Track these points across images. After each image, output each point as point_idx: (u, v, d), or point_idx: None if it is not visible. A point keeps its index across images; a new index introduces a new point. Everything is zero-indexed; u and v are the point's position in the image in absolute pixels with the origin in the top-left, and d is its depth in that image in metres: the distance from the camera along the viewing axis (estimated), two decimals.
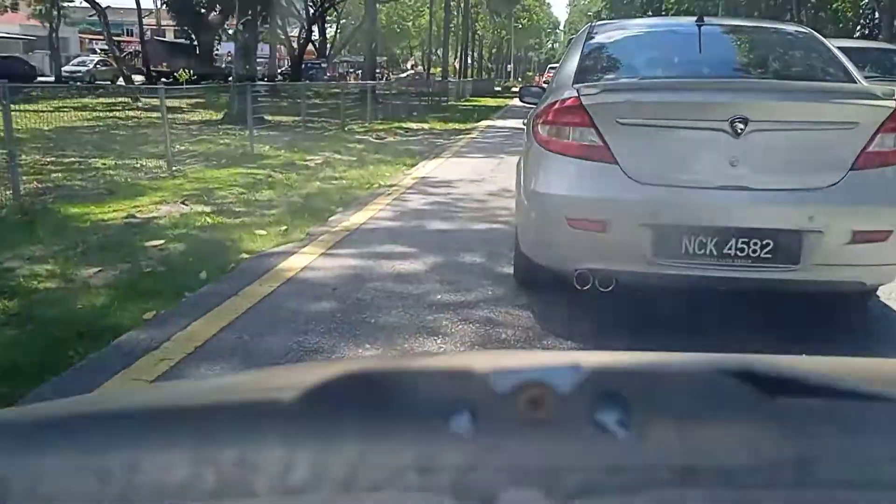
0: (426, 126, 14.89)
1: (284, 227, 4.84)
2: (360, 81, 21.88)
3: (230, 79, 15.05)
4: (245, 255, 4.15)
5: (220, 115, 13.75)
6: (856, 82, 3.02)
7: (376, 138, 12.16)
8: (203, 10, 30.80)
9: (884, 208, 2.68)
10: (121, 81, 28.09)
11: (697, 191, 2.69)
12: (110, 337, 2.87)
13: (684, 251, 2.63)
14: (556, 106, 2.86)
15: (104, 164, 7.67)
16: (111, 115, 14.78)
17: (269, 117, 14.07)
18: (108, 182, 6.61)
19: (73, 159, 7.94)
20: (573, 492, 0.37)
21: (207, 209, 5.51)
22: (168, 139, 7.35)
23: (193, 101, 17.03)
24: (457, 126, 14.98)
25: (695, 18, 3.45)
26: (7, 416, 0.56)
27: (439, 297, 3.32)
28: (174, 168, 7.42)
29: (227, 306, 3.11)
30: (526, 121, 3.53)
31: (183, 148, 9.35)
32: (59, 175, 6.89)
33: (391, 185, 6.81)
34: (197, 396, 0.60)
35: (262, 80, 32.21)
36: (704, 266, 2.64)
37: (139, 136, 10.40)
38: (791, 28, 3.97)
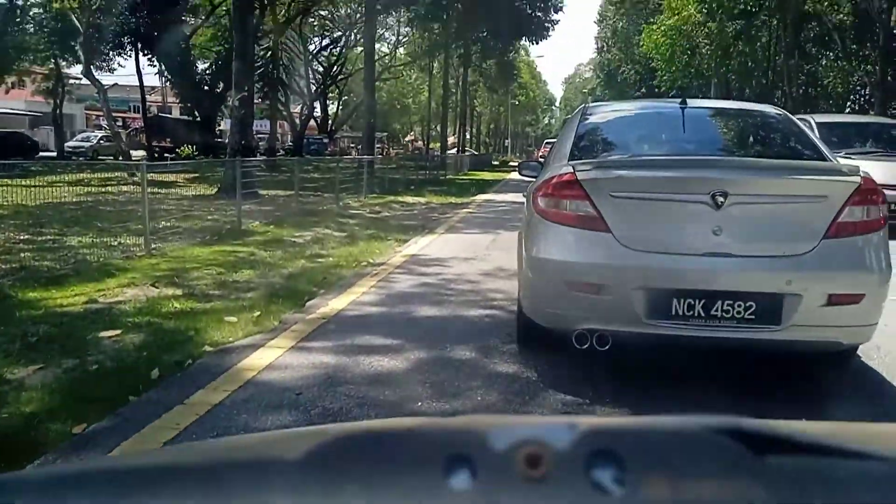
0: (423, 200, 14.67)
1: (257, 314, 4.41)
2: (357, 156, 21.88)
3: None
4: (208, 348, 3.70)
5: (214, 190, 13.56)
6: (826, 160, 3.32)
7: (371, 213, 11.88)
8: (206, 87, 31.38)
9: (856, 273, 2.91)
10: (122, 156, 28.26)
11: (685, 257, 2.89)
12: (26, 459, 2.40)
13: (674, 312, 2.83)
14: (555, 180, 3.10)
15: (80, 241, 7.30)
16: (104, 190, 14.59)
17: (264, 191, 13.87)
18: (78, 262, 6.21)
19: (48, 237, 7.58)
20: None
21: (178, 292, 5.09)
22: (147, 216, 6.99)
23: (190, 175, 16.97)
24: (453, 200, 14.76)
25: (678, 101, 3.76)
26: (24, 475, 0.60)
27: (420, 404, 2.85)
28: (153, 246, 7.04)
29: (168, 420, 2.64)
30: (526, 193, 3.76)
31: (168, 224, 9.04)
32: (28, 255, 6.50)
33: (379, 264, 6.41)
34: (205, 457, 0.61)
35: (262, 154, 32.58)
36: (693, 326, 2.83)
37: (126, 211, 10.08)
38: (767, 109, 4.18)
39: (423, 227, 9.58)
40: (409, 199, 14.94)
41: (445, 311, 4.50)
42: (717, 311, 2.81)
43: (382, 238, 8.31)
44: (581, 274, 2.97)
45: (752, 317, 2.81)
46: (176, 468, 0.53)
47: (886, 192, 3.15)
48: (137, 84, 31.49)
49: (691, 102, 3.83)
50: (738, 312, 2.81)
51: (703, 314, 2.82)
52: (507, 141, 69.17)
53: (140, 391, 3.02)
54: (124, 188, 14.68)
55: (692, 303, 2.82)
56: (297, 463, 0.44)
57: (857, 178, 2.93)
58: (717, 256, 2.87)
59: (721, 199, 2.83)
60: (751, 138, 3.99)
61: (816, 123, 10.43)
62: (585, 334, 2.95)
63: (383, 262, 6.49)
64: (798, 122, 3.81)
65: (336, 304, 4.66)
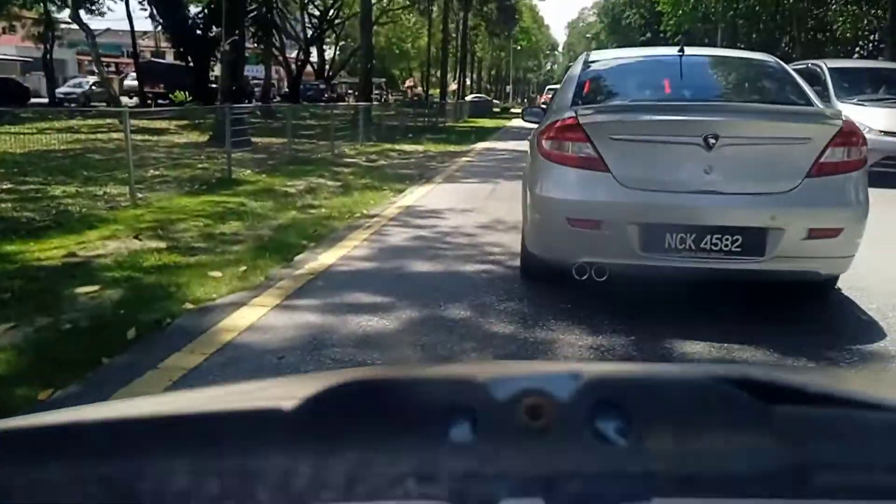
0: (420, 148, 14.33)
1: (243, 268, 4.21)
2: (353, 103, 21.38)
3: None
4: (189, 306, 3.51)
5: (205, 138, 13.20)
6: (812, 105, 3.51)
7: (366, 161, 11.58)
8: (199, 31, 30.47)
9: (835, 209, 3.10)
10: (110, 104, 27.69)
11: (677, 195, 3.07)
12: None
13: (667, 246, 3.03)
14: (558, 124, 3.29)
15: (64, 191, 7.06)
16: (94, 137, 14.23)
17: (258, 139, 13.53)
18: (60, 213, 5.98)
19: (31, 186, 7.32)
20: (572, 499, 0.38)
21: (162, 245, 4.89)
22: (131, 165, 6.73)
23: (183, 122, 16.56)
24: (452, 148, 14.41)
25: (677, 49, 3.87)
26: (9, 424, 0.54)
27: None
28: (139, 196, 6.80)
29: (137, 385, 2.46)
30: (530, 137, 3.88)
31: (158, 173, 8.78)
32: (9, 205, 6.27)
33: (373, 216, 6.18)
34: (199, 405, 0.61)
35: (257, 100, 31.83)
36: (684, 258, 3.03)
37: (114, 160, 9.77)
38: (761, 57, 4.27)
39: (420, 177, 9.31)
40: (407, 146, 14.59)
41: (440, 266, 4.29)
42: (706, 244, 3.02)
43: (377, 188, 8.05)
44: (581, 211, 3.17)
45: (739, 249, 3.03)
46: (168, 416, 0.52)
47: None
48: (130, 29, 30.64)
49: (689, 51, 3.91)
50: (726, 245, 3.02)
51: (693, 247, 3.03)
52: (508, 87, 67.91)
53: (113, 353, 2.84)
54: (114, 136, 14.36)
55: (684, 236, 3.03)
56: (292, 412, 0.43)
57: (839, 122, 3.14)
58: (708, 194, 3.06)
59: (712, 140, 3.02)
60: (743, 85, 4.13)
61: (829, 69, 10.05)
62: (585, 266, 3.18)
63: (377, 214, 6.25)
64: (789, 68, 3.99)
65: (326, 258, 4.45)
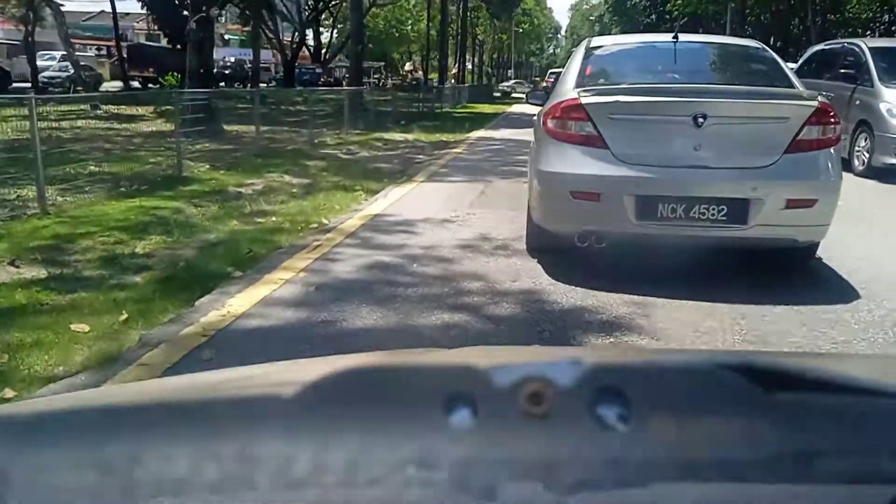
0: (410, 137, 13.11)
1: (124, 317, 3.06)
2: (343, 87, 20.11)
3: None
4: (7, 395, 2.37)
5: (173, 126, 11.99)
6: (792, 87, 3.75)
7: (346, 153, 10.38)
8: (186, 13, 29.15)
9: (810, 182, 3.44)
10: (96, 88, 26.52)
11: (669, 169, 3.41)
12: None
13: (660, 215, 3.37)
14: (562, 105, 3.61)
15: None
16: (56, 125, 13.03)
17: (236, 127, 12.32)
18: None
19: None
20: (573, 486, 0.38)
21: (42, 274, 3.74)
22: (40, 163, 5.52)
23: (162, 108, 15.32)
24: (444, 137, 13.18)
25: (671, 36, 4.09)
26: (8, 410, 0.56)
27: None
28: (50, 203, 5.63)
29: None
30: (535, 118, 4.23)
31: (96, 169, 7.61)
32: None
33: (330, 229, 5.00)
34: (198, 390, 0.60)
35: (240, 84, 30.39)
36: (675, 226, 3.38)
37: (65, 152, 8.57)
38: (748, 43, 4.58)
39: (400, 173, 8.12)
40: (396, 135, 13.37)
41: (392, 318, 3.05)
42: (695, 213, 3.32)
43: (348, 188, 6.88)
44: (583, 184, 3.45)
45: (724, 218, 3.34)
46: (165, 404, 0.51)
47: None
48: (124, 10, 29.32)
49: (683, 37, 4.16)
50: (713, 214, 3.33)
51: (683, 216, 3.34)
52: (510, 71, 66.26)
53: None
54: (80, 123, 13.17)
55: (675, 207, 3.33)
56: (292, 397, 0.43)
57: (815, 103, 3.45)
58: (697, 168, 3.38)
59: (701, 120, 3.33)
60: (731, 69, 4.38)
61: (869, 49, 8.81)
62: (586, 235, 3.50)
63: (334, 227, 5.06)
64: (773, 53, 4.24)
65: (238, 302, 3.25)
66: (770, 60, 4.09)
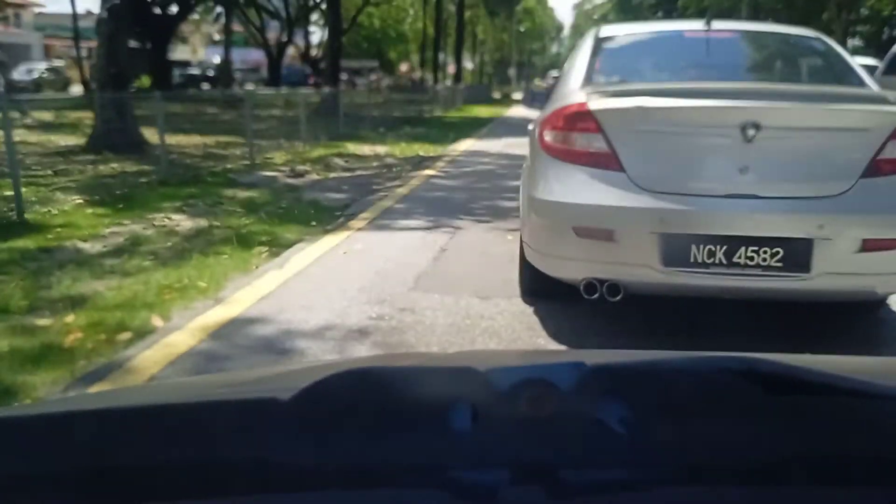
0: (382, 150, 10.89)
1: None
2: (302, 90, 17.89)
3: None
4: None
5: (83, 140, 9.78)
6: (867, 87, 3.04)
7: (290, 175, 8.15)
8: (158, 11, 27.03)
9: (894, 216, 2.64)
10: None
11: (706, 199, 2.63)
12: None
13: (693, 260, 2.60)
14: (564, 112, 2.85)
15: None
16: None
17: (179, 138, 10.09)
18: None
19: None
20: (574, 489, 0.37)
21: None
22: None
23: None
24: (422, 151, 10.94)
25: (703, 23, 3.34)
26: (5, 413, 0.54)
27: None
28: None
29: None
30: (530, 127, 3.26)
31: None
32: None
33: (151, 343, 2.77)
34: (197, 394, 0.59)
35: (208, 83, 28.24)
36: (714, 275, 2.61)
37: None
38: (802, 32, 3.63)
39: (340, 212, 5.87)
40: (366, 148, 11.16)
41: None
42: (740, 257, 2.59)
43: (249, 241, 4.65)
44: (591, 218, 2.72)
45: (779, 264, 2.59)
46: (164, 408, 0.50)
47: None
48: (72, 9, 27.16)
49: (716, 24, 3.34)
50: (764, 260, 2.59)
51: (724, 261, 2.60)
52: (510, 70, 63.96)
53: None
54: None
55: (713, 249, 2.60)
56: (291, 401, 0.42)
57: None
58: (742, 198, 2.60)
59: (752, 131, 2.56)
60: (783, 63, 3.60)
61: None
62: (595, 284, 2.72)
63: (139, 353, 2.82)
64: (838, 46, 3.39)
65: None
66: (835, 55, 3.33)
